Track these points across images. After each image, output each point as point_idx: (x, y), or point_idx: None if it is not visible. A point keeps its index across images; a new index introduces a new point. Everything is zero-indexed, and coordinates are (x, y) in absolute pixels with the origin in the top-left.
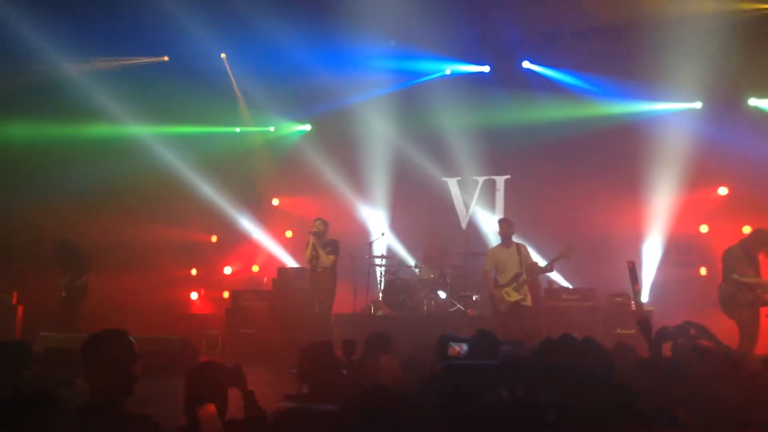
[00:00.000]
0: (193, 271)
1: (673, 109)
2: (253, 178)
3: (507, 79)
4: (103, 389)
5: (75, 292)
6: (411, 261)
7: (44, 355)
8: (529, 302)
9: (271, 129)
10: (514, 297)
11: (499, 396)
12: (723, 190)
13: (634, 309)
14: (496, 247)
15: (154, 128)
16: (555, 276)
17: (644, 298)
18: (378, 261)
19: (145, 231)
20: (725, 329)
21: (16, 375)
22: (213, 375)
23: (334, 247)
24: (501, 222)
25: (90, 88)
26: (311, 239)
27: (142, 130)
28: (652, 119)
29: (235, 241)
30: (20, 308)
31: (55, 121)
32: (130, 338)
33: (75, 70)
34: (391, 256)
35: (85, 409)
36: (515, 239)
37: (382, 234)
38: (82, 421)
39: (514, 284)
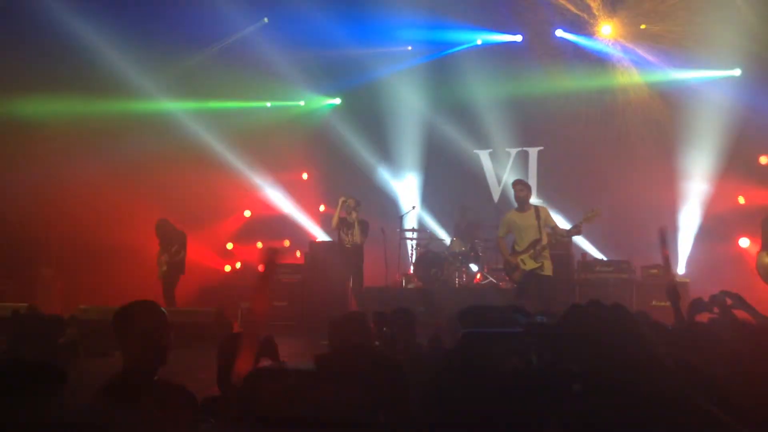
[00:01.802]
0: (229, 245)
1: (712, 77)
2: (285, 152)
3: (540, 49)
4: (136, 359)
5: (174, 267)
6: (442, 234)
7: (80, 327)
8: (548, 271)
9: (302, 103)
10: (530, 265)
11: (522, 364)
12: (764, 159)
13: (662, 274)
14: (511, 211)
15: (186, 104)
16: (589, 248)
17: (680, 269)
18: (409, 234)
19: (179, 207)
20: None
21: (53, 343)
22: (244, 345)
23: (364, 228)
24: (514, 184)
25: (120, 63)
26: (341, 204)
27: (175, 106)
28: (689, 87)
29: (267, 215)
30: (59, 282)
31: (87, 97)
32: (162, 309)
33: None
34: (422, 229)
35: (117, 378)
36: (536, 202)
37: (413, 207)
38: (115, 389)
39: (531, 251)
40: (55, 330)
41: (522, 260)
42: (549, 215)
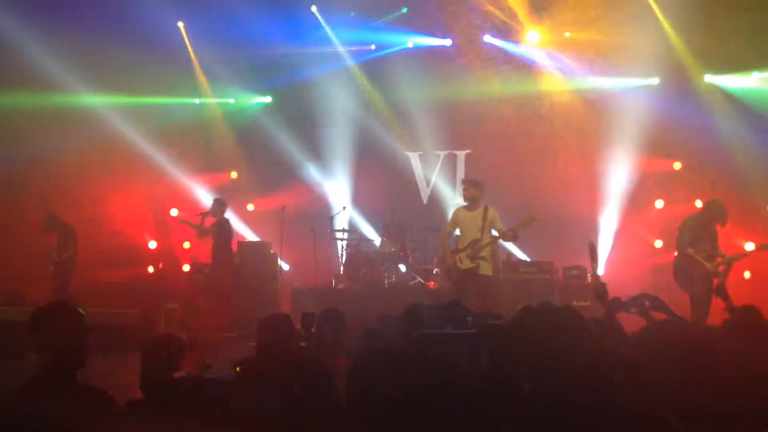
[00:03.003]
0: (152, 244)
1: (631, 85)
2: (214, 150)
3: (469, 53)
4: (52, 362)
5: (63, 265)
6: (372, 235)
7: None
8: (485, 271)
9: (231, 101)
10: (466, 264)
11: (475, 365)
12: (677, 165)
13: (590, 281)
14: (460, 208)
15: (112, 98)
16: (513, 249)
17: (600, 271)
18: (339, 235)
19: (104, 204)
20: (680, 303)
21: None
22: (169, 348)
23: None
24: (463, 183)
25: (42, 56)
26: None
27: (99, 100)
28: (610, 94)
29: (194, 214)
30: None
31: (4, 90)
32: (79, 310)
33: (23, 36)
34: (352, 230)
35: (34, 381)
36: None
37: (344, 208)
38: (32, 392)
39: (469, 250)
40: None
41: (459, 258)
42: (497, 219)
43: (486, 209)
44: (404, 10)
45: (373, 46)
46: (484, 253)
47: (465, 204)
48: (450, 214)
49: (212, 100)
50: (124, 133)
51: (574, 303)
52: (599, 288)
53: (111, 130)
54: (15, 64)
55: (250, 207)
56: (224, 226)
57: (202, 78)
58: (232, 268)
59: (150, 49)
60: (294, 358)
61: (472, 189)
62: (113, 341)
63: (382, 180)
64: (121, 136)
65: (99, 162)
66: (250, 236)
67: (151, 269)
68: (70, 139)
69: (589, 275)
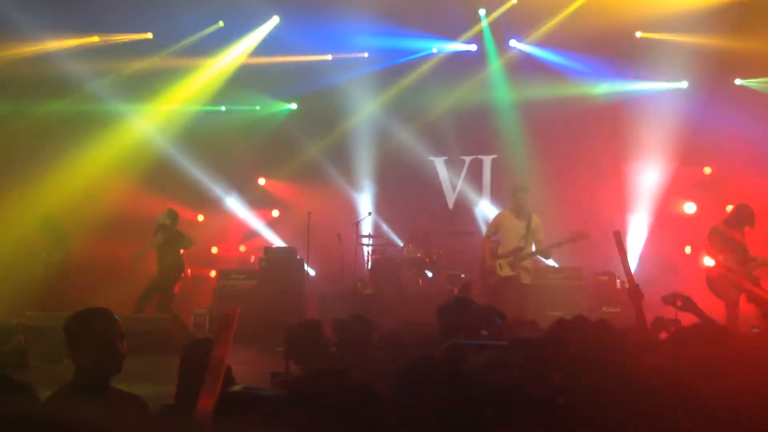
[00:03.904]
0: (180, 250)
1: (660, 89)
2: (240, 157)
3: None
4: (89, 367)
5: (51, 270)
6: (398, 240)
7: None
8: (525, 280)
9: (258, 108)
10: (506, 272)
11: (508, 377)
12: (707, 170)
13: (621, 283)
14: (506, 212)
15: (141, 106)
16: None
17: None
18: (365, 240)
19: (134, 210)
20: (709, 309)
21: None
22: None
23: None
24: (518, 191)
25: (76, 66)
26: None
27: (128, 108)
28: (638, 98)
29: (221, 220)
30: (4, 289)
31: (41, 99)
32: (115, 316)
33: (60, 46)
34: (378, 235)
35: (70, 387)
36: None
37: (369, 213)
38: (68, 398)
39: (511, 258)
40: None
41: (500, 264)
42: (540, 229)
43: (531, 218)
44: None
45: (398, 53)
46: (526, 262)
47: (511, 209)
48: (479, 219)
49: (238, 107)
50: (152, 139)
51: (604, 309)
52: (633, 290)
53: (139, 137)
54: (50, 72)
55: (275, 213)
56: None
57: (228, 85)
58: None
59: (177, 56)
60: (344, 380)
61: (527, 196)
62: (143, 345)
63: (407, 185)
64: (149, 143)
65: (127, 168)
66: (276, 242)
67: None
68: (101, 146)
69: (619, 282)
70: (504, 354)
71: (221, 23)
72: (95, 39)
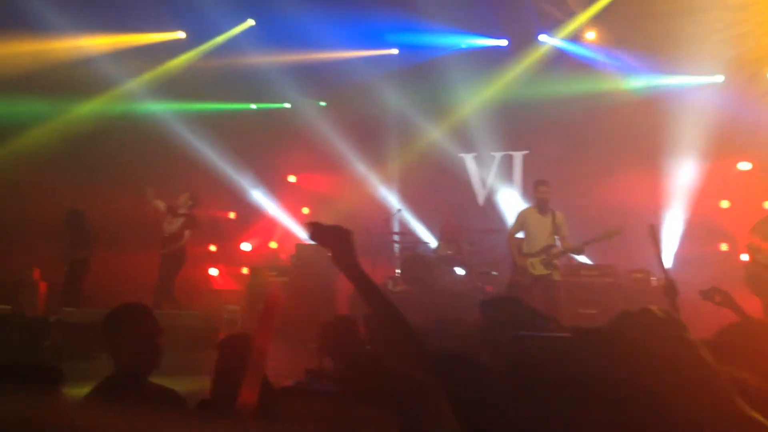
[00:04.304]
0: (212, 248)
1: (694, 83)
2: (270, 154)
3: (524, 53)
4: (127, 363)
5: (75, 267)
6: (428, 237)
7: (64, 330)
8: (557, 277)
9: (287, 105)
10: (539, 270)
11: (572, 370)
12: (745, 165)
13: (657, 281)
14: (529, 209)
15: (171, 105)
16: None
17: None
18: (395, 237)
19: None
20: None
21: (37, 346)
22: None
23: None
24: (540, 185)
25: (106, 66)
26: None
27: (159, 107)
28: (672, 93)
29: (253, 217)
30: (43, 285)
31: (69, 99)
32: (152, 312)
33: (90, 46)
34: (407, 232)
35: (109, 381)
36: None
37: (399, 210)
38: (107, 393)
39: (543, 256)
40: (40, 333)
41: (531, 263)
42: (565, 223)
43: (555, 213)
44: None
45: (426, 48)
46: (558, 260)
47: (532, 205)
48: (513, 215)
49: (268, 105)
50: (184, 138)
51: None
52: (669, 285)
53: (173, 136)
54: (86, 73)
55: (305, 210)
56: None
57: (258, 83)
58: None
59: (208, 55)
60: (390, 374)
61: (550, 191)
62: (176, 342)
63: (437, 182)
64: (183, 142)
65: (161, 166)
66: (307, 239)
67: (213, 272)
68: (137, 145)
69: (654, 280)
70: (566, 346)
71: (251, 21)
72: (129, 39)
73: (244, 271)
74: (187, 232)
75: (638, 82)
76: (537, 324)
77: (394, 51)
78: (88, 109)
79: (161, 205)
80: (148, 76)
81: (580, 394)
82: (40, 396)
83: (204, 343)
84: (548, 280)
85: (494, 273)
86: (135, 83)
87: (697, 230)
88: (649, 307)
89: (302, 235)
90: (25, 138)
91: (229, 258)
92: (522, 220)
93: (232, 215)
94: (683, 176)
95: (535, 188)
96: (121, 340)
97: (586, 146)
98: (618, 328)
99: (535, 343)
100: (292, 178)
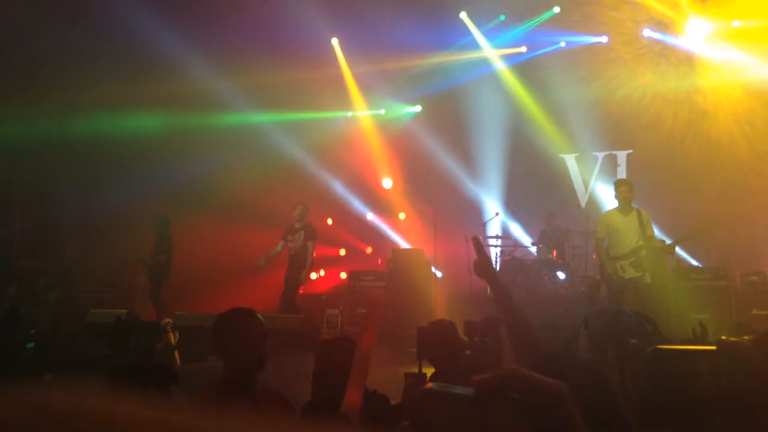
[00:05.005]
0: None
1: None
2: (366, 160)
3: (626, 49)
4: (236, 365)
5: (154, 271)
6: (527, 241)
7: (176, 332)
8: (648, 279)
9: (382, 112)
10: (630, 273)
11: (713, 385)
12: None
13: None
14: (612, 211)
15: (268, 116)
16: (682, 254)
17: None
18: (493, 241)
19: (262, 214)
20: None
21: (150, 348)
22: (344, 350)
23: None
24: (620, 184)
25: (205, 77)
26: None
27: (256, 118)
28: None
29: (349, 222)
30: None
31: (168, 111)
32: (258, 315)
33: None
34: (506, 236)
35: (220, 383)
36: (634, 205)
37: (497, 214)
38: (218, 394)
39: (633, 258)
40: (153, 335)
41: (621, 267)
42: (650, 222)
43: (639, 212)
44: (555, 10)
45: (524, 48)
46: (648, 261)
47: (615, 208)
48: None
49: (364, 112)
50: (284, 147)
51: (754, 312)
52: None
53: (273, 145)
54: (187, 85)
55: (402, 215)
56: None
57: (354, 91)
58: None
59: (305, 66)
60: (528, 379)
61: (630, 190)
62: (278, 344)
63: (536, 184)
64: (280, 151)
65: (263, 175)
66: (403, 244)
67: (313, 275)
68: (237, 155)
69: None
70: (711, 360)
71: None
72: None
73: (342, 276)
74: (309, 243)
75: (746, 75)
76: (642, 330)
77: (522, 49)
78: (193, 121)
79: (279, 245)
80: (250, 86)
81: (727, 409)
82: (156, 395)
83: (305, 346)
84: (639, 283)
85: (598, 277)
86: (239, 93)
87: None
88: None
89: (398, 241)
90: (139, 147)
91: (327, 263)
92: (606, 224)
93: (329, 221)
94: None
95: (616, 189)
96: (229, 342)
97: (692, 144)
98: (763, 341)
99: (675, 356)
100: (387, 184)
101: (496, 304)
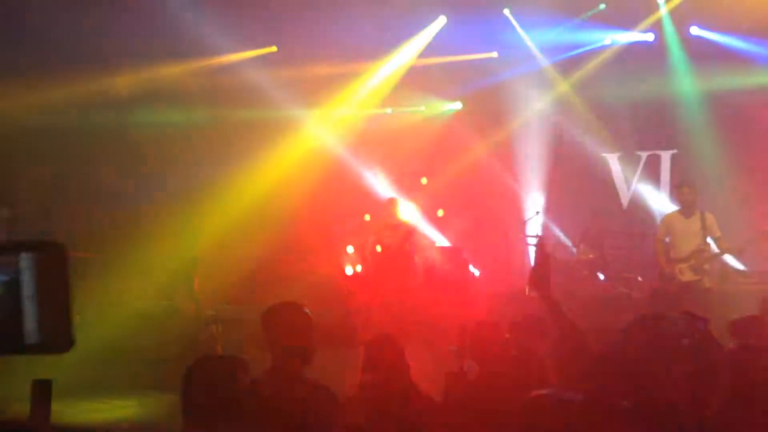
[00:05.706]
0: (350, 249)
1: None
2: (405, 157)
3: (673, 47)
4: (284, 358)
5: (183, 264)
6: (568, 240)
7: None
8: (708, 284)
9: (422, 108)
10: (688, 276)
11: None
12: None
13: None
14: (673, 213)
15: (315, 111)
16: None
17: None
18: (533, 240)
19: (303, 209)
20: None
21: (193, 339)
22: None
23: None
24: (682, 186)
25: (257, 75)
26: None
27: (303, 113)
28: None
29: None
30: (196, 280)
31: (229, 107)
32: (306, 311)
33: (241, 57)
34: (546, 235)
35: (268, 375)
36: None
37: (537, 213)
38: (267, 386)
39: (693, 261)
40: (197, 327)
41: (680, 269)
42: (715, 224)
43: (704, 215)
44: (602, 6)
45: (570, 46)
46: (709, 264)
47: (677, 209)
48: (657, 219)
49: (404, 109)
50: (325, 143)
51: None
52: None
53: (313, 141)
54: (235, 81)
55: (440, 213)
56: None
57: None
58: None
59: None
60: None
61: (692, 193)
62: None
63: (577, 183)
64: (322, 147)
65: (303, 170)
66: (441, 241)
67: (349, 271)
68: (280, 150)
69: None
70: None
71: None
72: (273, 49)
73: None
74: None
75: None
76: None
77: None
78: (239, 115)
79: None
80: (291, 83)
81: None
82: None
83: (343, 342)
84: (698, 288)
85: (639, 279)
86: (280, 89)
87: None
88: None
89: (437, 238)
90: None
91: (364, 259)
92: (667, 226)
93: (367, 217)
94: None
95: (677, 191)
96: (277, 335)
97: (741, 144)
98: None
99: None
100: (425, 181)
101: (550, 313)
